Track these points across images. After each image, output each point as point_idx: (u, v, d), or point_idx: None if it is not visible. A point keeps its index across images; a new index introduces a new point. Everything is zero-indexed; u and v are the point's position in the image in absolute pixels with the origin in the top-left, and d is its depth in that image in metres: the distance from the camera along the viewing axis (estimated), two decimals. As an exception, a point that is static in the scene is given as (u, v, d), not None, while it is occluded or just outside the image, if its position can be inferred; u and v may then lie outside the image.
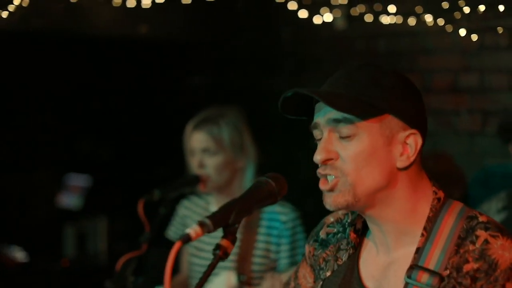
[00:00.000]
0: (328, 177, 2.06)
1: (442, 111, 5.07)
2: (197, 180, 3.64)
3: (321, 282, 2.32)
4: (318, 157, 2.05)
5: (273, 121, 5.74)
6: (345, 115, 2.01)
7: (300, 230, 3.75)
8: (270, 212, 3.74)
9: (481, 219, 2.02)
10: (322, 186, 2.08)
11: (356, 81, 2.05)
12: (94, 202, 6.17)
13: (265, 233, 3.72)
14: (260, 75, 6.17)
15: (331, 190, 2.05)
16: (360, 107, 2.00)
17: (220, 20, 6.10)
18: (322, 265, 2.34)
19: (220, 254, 1.87)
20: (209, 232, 1.84)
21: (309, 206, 3.95)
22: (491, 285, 1.89)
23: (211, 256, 3.53)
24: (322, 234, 2.40)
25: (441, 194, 2.12)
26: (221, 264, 3.68)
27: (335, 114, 2.02)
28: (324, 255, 2.35)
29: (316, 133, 2.11)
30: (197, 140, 3.71)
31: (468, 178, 4.63)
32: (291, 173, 6.02)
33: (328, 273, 2.29)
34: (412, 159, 2.04)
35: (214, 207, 3.82)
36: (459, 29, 4.56)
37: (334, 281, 2.26)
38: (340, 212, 2.40)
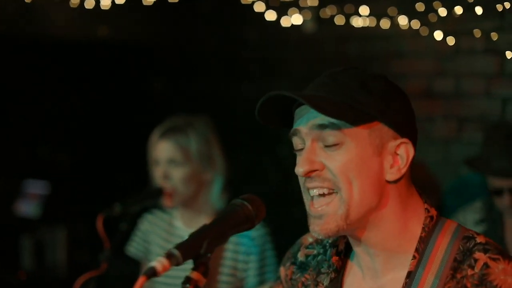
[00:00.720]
0: (312, 192, 1.85)
1: (416, 118, 4.90)
2: (161, 192, 3.47)
3: None
4: (300, 169, 1.84)
5: (240, 126, 5.63)
6: (332, 120, 1.80)
7: (270, 247, 3.58)
8: None
9: (478, 240, 1.84)
10: (311, 210, 1.87)
11: (342, 84, 1.85)
12: (53, 211, 6.00)
13: (233, 250, 3.55)
14: (226, 79, 6.05)
15: (321, 216, 1.85)
16: (349, 113, 1.80)
17: (184, 22, 5.98)
18: None
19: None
20: (177, 264, 1.61)
21: (278, 216, 3.80)
22: None
23: (182, 274, 3.32)
24: (300, 257, 2.19)
25: (433, 212, 1.92)
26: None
27: (320, 119, 1.82)
28: (303, 279, 2.14)
29: (296, 141, 1.89)
30: (162, 149, 3.53)
31: (443, 187, 4.54)
32: (258, 180, 5.93)
33: None
34: (403, 171, 1.85)
35: (179, 222, 3.66)
36: (434, 32, 4.48)
37: None
38: None
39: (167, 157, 3.51)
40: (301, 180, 1.89)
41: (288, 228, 2.32)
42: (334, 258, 2.04)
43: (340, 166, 1.80)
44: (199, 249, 1.65)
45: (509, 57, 4.33)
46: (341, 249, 2.04)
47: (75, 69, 6.04)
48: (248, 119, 5.84)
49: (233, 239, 3.51)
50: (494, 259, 1.78)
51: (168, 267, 1.58)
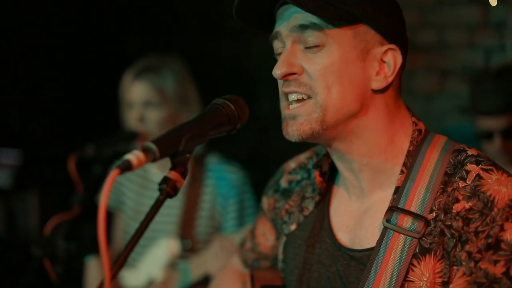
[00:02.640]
0: (291, 97, 1.76)
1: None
2: (135, 136, 3.35)
3: (284, 238, 2.03)
4: (278, 71, 1.75)
5: (217, 84, 5.55)
6: (313, 20, 1.70)
7: (248, 189, 3.51)
8: (217, 170, 3.50)
9: (470, 152, 1.75)
10: (285, 111, 1.78)
11: None
12: (24, 179, 5.86)
13: (211, 193, 3.47)
14: (203, 36, 5.94)
15: (294, 116, 1.75)
16: (331, 10, 1.69)
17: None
18: (285, 218, 2.04)
19: (168, 189, 1.51)
20: (154, 160, 1.48)
21: (254, 172, 3.73)
22: (488, 227, 1.62)
23: (157, 219, 3.22)
24: (283, 183, 2.11)
25: (422, 126, 1.84)
26: (161, 229, 3.45)
27: (301, 19, 1.72)
28: (286, 206, 2.05)
29: (276, 45, 1.81)
30: (137, 91, 3.40)
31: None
32: (235, 137, 5.90)
33: (293, 227, 2.00)
34: (390, 79, 1.76)
35: (154, 168, 3.55)
36: (417, -17, 4.44)
37: (300, 235, 1.97)
38: (303, 157, 2.11)
39: (142, 99, 3.39)
40: (279, 84, 1.80)
41: (265, 185, 2.22)
42: (318, 179, 1.95)
43: (320, 70, 1.71)
44: (178, 146, 1.54)
45: (492, 4, 4.31)
46: (325, 170, 1.96)
47: (45, 31, 5.84)
48: (225, 76, 5.78)
49: (211, 182, 3.45)
50: (487, 170, 1.68)
51: (143, 162, 1.45)
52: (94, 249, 2.83)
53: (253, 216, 3.35)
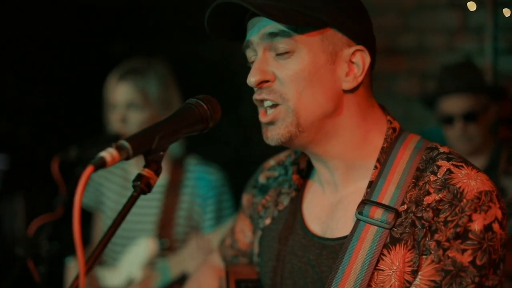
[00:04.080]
0: (266, 103, 1.81)
1: (378, 75, 4.89)
2: (117, 138, 3.37)
3: (260, 232, 2.09)
4: (252, 79, 1.81)
5: (200, 87, 5.55)
6: (282, 28, 1.76)
7: (227, 191, 3.57)
8: (196, 171, 3.56)
9: (442, 149, 1.81)
10: (262, 118, 1.83)
11: None
12: (11, 183, 5.87)
13: (190, 194, 3.53)
14: (186, 40, 5.94)
15: (272, 122, 1.81)
16: (298, 17, 1.75)
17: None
18: (261, 213, 2.11)
19: (142, 185, 1.55)
20: (127, 158, 1.52)
21: (238, 176, 3.77)
22: (457, 217, 1.67)
23: (136, 219, 3.24)
24: (261, 179, 2.18)
25: (396, 124, 1.90)
26: (140, 228, 3.49)
27: (270, 27, 1.78)
28: (263, 201, 2.12)
29: (249, 53, 1.87)
30: (121, 92, 3.45)
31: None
32: (219, 140, 5.86)
33: (268, 221, 2.06)
34: (359, 79, 1.81)
35: (135, 169, 3.57)
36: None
37: (274, 229, 2.03)
38: (283, 155, 2.18)
39: (125, 100, 3.43)
40: (255, 93, 1.85)
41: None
42: (295, 176, 2.02)
43: (292, 75, 1.77)
44: (151, 144, 1.57)
45: (471, 9, 4.35)
46: (302, 167, 2.02)
47: (32, 37, 5.83)
48: (210, 80, 5.77)
49: (190, 183, 3.51)
50: (457, 166, 1.74)
51: (117, 159, 1.48)
52: (76, 250, 2.87)
53: (231, 217, 3.41)
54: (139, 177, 1.56)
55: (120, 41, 6.16)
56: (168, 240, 3.45)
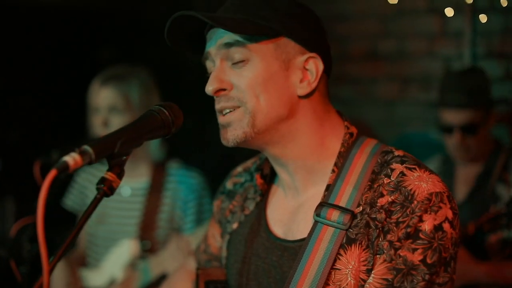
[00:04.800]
0: (224, 111, 1.89)
1: (360, 79, 5.03)
2: None
3: (227, 236, 2.16)
4: (210, 87, 1.88)
5: (186, 92, 5.58)
6: (237, 38, 1.84)
7: (207, 194, 3.64)
8: (177, 175, 3.64)
9: (397, 153, 1.88)
10: (220, 120, 1.91)
11: (248, 3, 1.88)
12: (2, 186, 5.87)
13: (171, 197, 3.60)
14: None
15: (229, 123, 1.88)
16: (251, 27, 1.83)
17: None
18: (229, 218, 2.18)
19: (105, 188, 1.62)
20: (90, 162, 1.58)
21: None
22: (408, 218, 1.74)
23: (119, 221, 3.31)
24: (228, 185, 2.26)
25: (354, 129, 1.97)
26: (123, 230, 3.55)
27: (226, 38, 1.86)
28: (230, 206, 2.19)
29: (208, 64, 1.94)
30: (104, 96, 3.53)
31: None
32: (204, 145, 5.87)
33: (235, 225, 2.14)
34: (313, 85, 1.89)
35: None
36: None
37: (241, 232, 2.10)
38: (249, 162, 2.25)
39: (108, 104, 3.51)
40: (215, 102, 1.93)
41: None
42: (259, 181, 2.09)
43: (247, 83, 1.84)
44: (113, 149, 1.63)
45: (448, 15, 4.39)
46: (266, 173, 2.09)
47: (23, 43, 5.87)
48: (195, 86, 5.78)
49: (171, 186, 3.60)
50: (410, 169, 1.81)
51: (80, 164, 1.55)
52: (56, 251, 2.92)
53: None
54: (102, 180, 1.63)
55: (109, 48, 6.21)
56: (149, 242, 3.52)
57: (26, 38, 5.81)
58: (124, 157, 1.67)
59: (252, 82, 1.84)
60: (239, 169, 2.27)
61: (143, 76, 3.63)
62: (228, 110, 1.88)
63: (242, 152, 2.31)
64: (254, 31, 1.83)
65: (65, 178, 3.38)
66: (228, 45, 1.85)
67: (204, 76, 1.94)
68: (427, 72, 4.71)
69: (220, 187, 2.31)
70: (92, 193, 3.71)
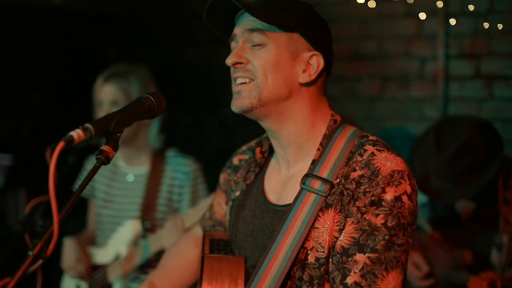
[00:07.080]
0: (238, 80, 2.22)
1: (344, 78, 5.17)
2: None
3: (231, 203, 2.52)
4: (229, 60, 2.23)
5: (186, 89, 5.86)
6: (259, 26, 2.20)
7: (201, 180, 3.90)
8: (174, 163, 3.88)
9: (371, 138, 2.21)
10: (234, 88, 2.24)
11: (273, 1, 2.24)
12: (14, 179, 6.06)
13: (169, 183, 3.86)
14: (173, 46, 6.21)
15: (240, 92, 2.21)
16: (272, 18, 2.18)
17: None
18: (233, 187, 2.54)
19: (103, 158, 1.94)
20: (91, 136, 1.88)
21: (220, 165, 4.12)
22: (373, 189, 2.06)
23: (123, 204, 3.62)
24: (235, 161, 2.61)
25: (338, 117, 2.31)
26: (126, 212, 3.85)
27: (250, 25, 2.22)
28: (235, 178, 2.55)
29: (233, 44, 2.30)
30: (106, 92, 3.79)
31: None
32: (203, 139, 6.05)
33: (238, 193, 2.49)
34: (313, 77, 2.23)
35: (121, 161, 3.97)
36: (358, -2, 4.63)
37: (242, 198, 2.46)
38: (253, 142, 2.62)
39: (110, 99, 3.76)
40: (231, 71, 2.27)
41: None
42: (258, 155, 2.46)
43: (261, 62, 2.19)
44: (109, 127, 1.95)
45: (422, 18, 4.57)
46: (265, 149, 2.46)
47: (34, 42, 6.06)
48: (194, 83, 5.95)
49: (169, 174, 3.86)
50: (379, 150, 2.13)
51: (82, 137, 1.86)
52: (67, 227, 3.13)
53: (204, 200, 3.69)
54: (100, 152, 1.94)
55: (114, 47, 6.41)
56: (150, 222, 3.77)
57: (39, 39, 5.99)
58: (118, 134, 1.99)
59: (264, 62, 2.18)
60: (244, 147, 2.61)
61: (142, 74, 3.87)
62: (242, 80, 2.21)
63: (238, 146, 2.69)
64: (275, 22, 2.17)
65: (76, 167, 3.72)
66: (251, 30, 2.20)
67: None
68: (405, 71, 4.84)
69: (226, 163, 2.64)
70: (99, 179, 3.99)
